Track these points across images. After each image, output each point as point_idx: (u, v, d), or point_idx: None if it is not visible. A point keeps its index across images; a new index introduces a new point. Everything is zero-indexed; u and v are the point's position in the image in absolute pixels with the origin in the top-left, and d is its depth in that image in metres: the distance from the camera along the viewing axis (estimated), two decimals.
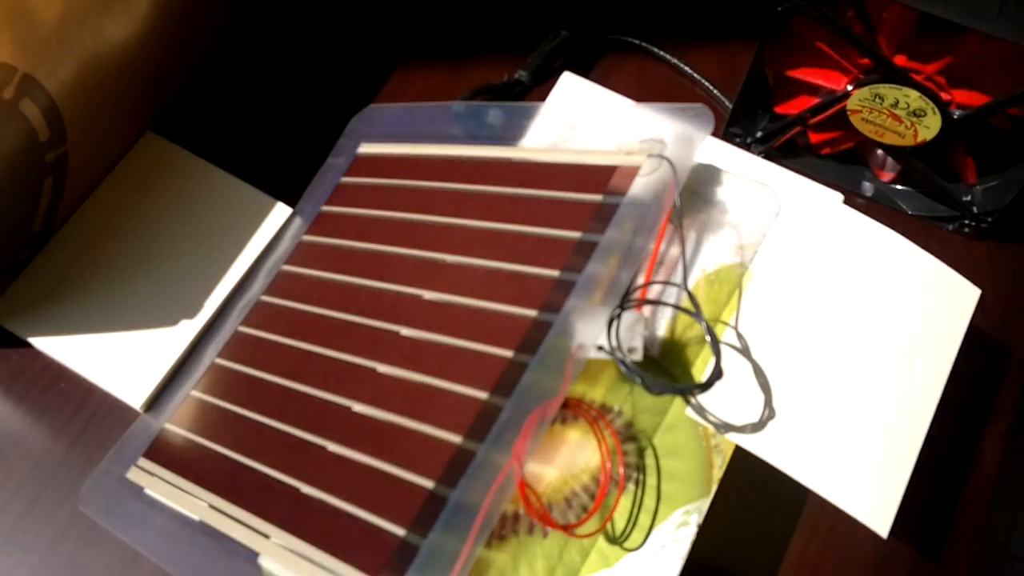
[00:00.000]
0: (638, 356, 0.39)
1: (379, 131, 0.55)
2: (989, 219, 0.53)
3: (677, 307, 0.42)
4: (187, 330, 0.51)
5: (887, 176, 0.55)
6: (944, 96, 0.48)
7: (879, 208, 0.55)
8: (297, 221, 0.54)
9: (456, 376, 0.40)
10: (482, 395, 0.38)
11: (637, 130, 0.45)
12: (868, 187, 0.56)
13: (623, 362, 0.38)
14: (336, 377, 0.44)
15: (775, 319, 0.44)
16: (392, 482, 0.38)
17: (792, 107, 0.53)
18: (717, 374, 0.39)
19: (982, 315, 0.51)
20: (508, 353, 0.39)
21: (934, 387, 0.44)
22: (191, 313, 0.52)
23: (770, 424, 0.42)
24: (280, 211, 0.54)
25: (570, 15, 0.62)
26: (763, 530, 0.47)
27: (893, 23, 0.47)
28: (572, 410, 0.41)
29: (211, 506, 0.43)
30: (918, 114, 0.49)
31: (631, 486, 0.41)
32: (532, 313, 0.40)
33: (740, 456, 0.42)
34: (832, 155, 0.56)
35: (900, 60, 0.48)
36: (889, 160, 0.54)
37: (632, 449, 0.42)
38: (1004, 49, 0.45)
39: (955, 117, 0.48)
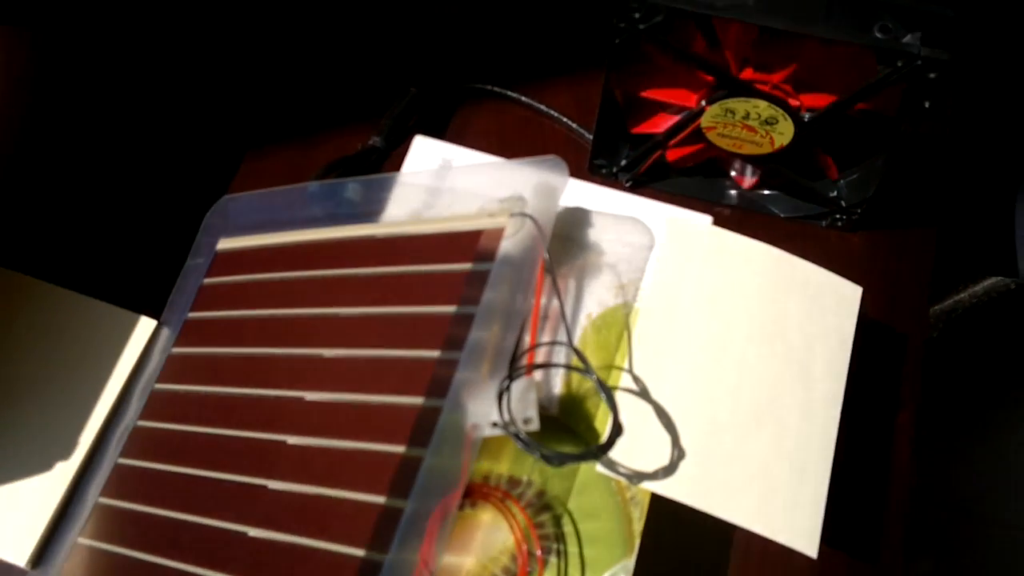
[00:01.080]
0: (534, 426, 0.37)
1: (237, 223, 0.52)
2: (858, 211, 0.53)
3: (567, 367, 0.41)
4: (64, 472, 0.48)
5: (748, 183, 0.55)
6: (792, 102, 0.48)
7: (754, 216, 0.55)
8: (165, 333, 0.51)
9: (350, 482, 0.38)
10: (379, 499, 0.36)
11: (497, 187, 0.43)
12: (738, 197, 0.56)
13: (518, 436, 0.36)
14: (226, 501, 0.41)
15: (668, 354, 0.43)
16: None
17: (649, 127, 0.53)
18: (616, 431, 0.37)
19: (869, 304, 0.51)
20: (400, 448, 0.37)
21: (835, 394, 0.44)
22: (65, 452, 0.48)
23: (681, 465, 0.41)
24: (145, 325, 0.51)
25: (417, 71, 0.60)
26: (696, 571, 0.46)
27: (736, 38, 0.47)
28: (477, 495, 0.39)
29: None
30: (770, 122, 0.49)
31: (553, 559, 0.39)
32: (418, 400, 0.38)
33: (658, 503, 0.41)
34: (702, 171, 0.56)
35: (747, 73, 0.48)
36: (748, 167, 0.54)
37: (548, 519, 0.40)
38: (840, 51, 0.45)
39: (806, 120, 0.48)
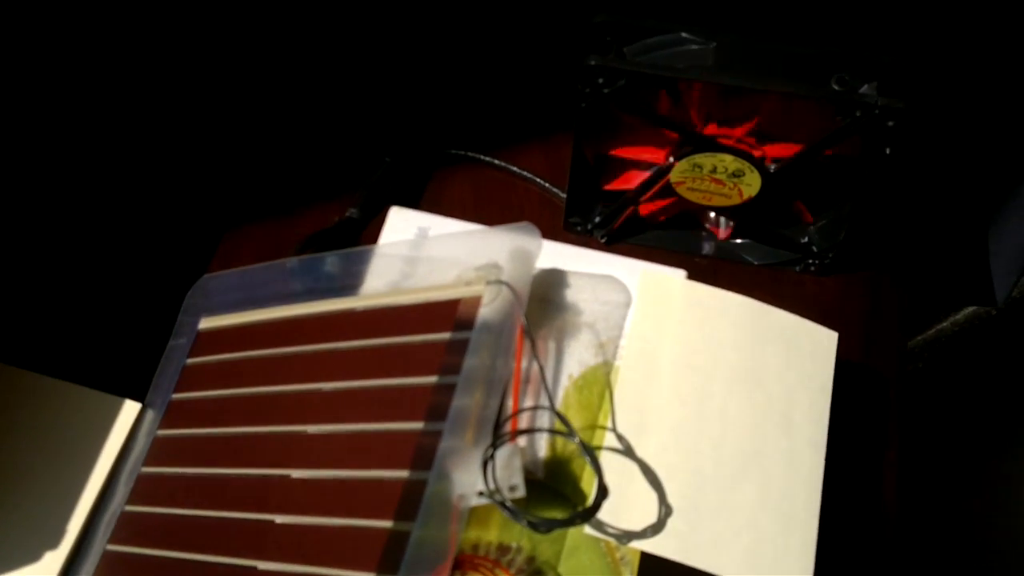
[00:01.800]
0: (520, 493, 0.38)
1: (217, 301, 0.53)
2: (830, 255, 0.54)
3: (550, 431, 0.42)
4: (53, 561, 0.47)
5: (724, 233, 0.56)
6: (756, 153, 0.49)
7: (728, 265, 0.56)
8: (150, 415, 0.51)
9: (340, 560, 0.38)
10: None
11: (473, 255, 0.44)
12: (713, 247, 0.57)
13: (504, 504, 0.36)
14: None
15: (650, 411, 0.44)
16: None
17: (621, 183, 0.54)
18: (602, 494, 0.38)
19: (847, 346, 0.52)
20: (387, 523, 0.37)
21: (817, 440, 0.44)
22: (53, 542, 0.48)
23: (669, 521, 0.41)
24: (129, 409, 0.51)
25: (391, 140, 0.61)
26: None
27: (699, 95, 0.48)
28: (467, 566, 0.39)
29: None
30: (737, 175, 0.50)
31: None
32: (404, 473, 0.38)
33: (648, 561, 0.41)
34: (676, 223, 0.56)
35: (711, 129, 0.49)
36: (722, 218, 0.55)
37: None
38: (798, 105, 0.46)
39: (771, 171, 0.49)
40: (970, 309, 0.91)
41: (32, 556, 0.47)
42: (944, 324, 0.94)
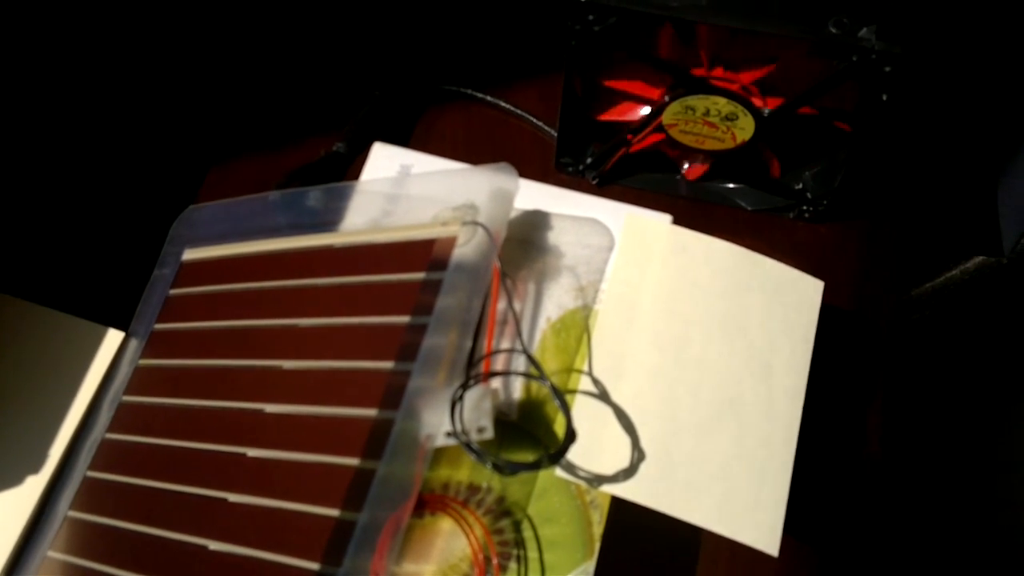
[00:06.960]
0: (488, 435, 0.37)
1: (202, 233, 0.52)
2: (824, 202, 0.53)
3: (522, 374, 0.41)
4: (34, 485, 0.48)
5: (696, 172, 0.55)
6: (756, 101, 0.48)
7: (721, 209, 0.55)
8: (133, 344, 0.51)
9: (306, 495, 0.38)
10: (334, 512, 0.37)
11: (452, 195, 0.43)
12: (705, 191, 0.56)
13: (469, 446, 0.36)
14: (188, 514, 0.41)
15: (627, 356, 0.43)
16: None
17: (615, 114, 0.52)
18: (570, 438, 0.38)
19: (837, 294, 0.51)
20: (354, 461, 0.37)
21: (796, 390, 0.44)
22: (35, 466, 0.48)
23: (641, 467, 0.41)
24: (113, 337, 0.51)
25: (381, 74, 0.60)
26: (659, 573, 0.46)
27: (706, 37, 0.46)
28: (435, 506, 0.40)
29: None
30: (730, 118, 0.48)
31: (512, 564, 0.39)
32: (373, 412, 0.38)
33: (619, 506, 0.41)
34: (668, 166, 0.55)
35: (717, 71, 0.48)
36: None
37: (507, 525, 0.40)
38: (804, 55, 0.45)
39: (766, 115, 0.48)
40: (979, 258, 0.90)
41: (14, 480, 0.48)
42: (953, 272, 0.93)
